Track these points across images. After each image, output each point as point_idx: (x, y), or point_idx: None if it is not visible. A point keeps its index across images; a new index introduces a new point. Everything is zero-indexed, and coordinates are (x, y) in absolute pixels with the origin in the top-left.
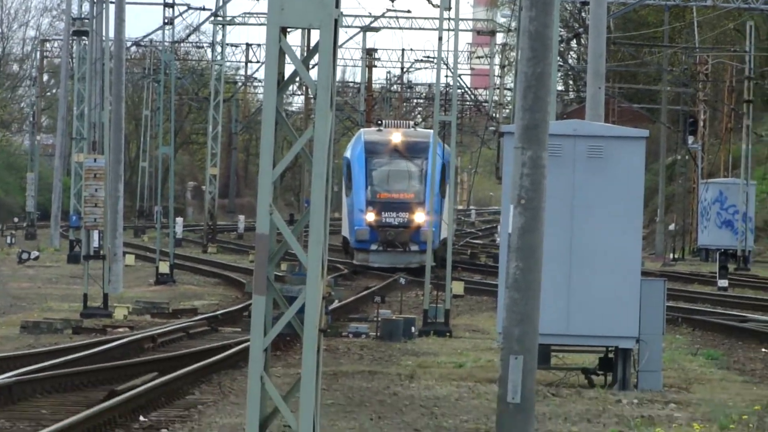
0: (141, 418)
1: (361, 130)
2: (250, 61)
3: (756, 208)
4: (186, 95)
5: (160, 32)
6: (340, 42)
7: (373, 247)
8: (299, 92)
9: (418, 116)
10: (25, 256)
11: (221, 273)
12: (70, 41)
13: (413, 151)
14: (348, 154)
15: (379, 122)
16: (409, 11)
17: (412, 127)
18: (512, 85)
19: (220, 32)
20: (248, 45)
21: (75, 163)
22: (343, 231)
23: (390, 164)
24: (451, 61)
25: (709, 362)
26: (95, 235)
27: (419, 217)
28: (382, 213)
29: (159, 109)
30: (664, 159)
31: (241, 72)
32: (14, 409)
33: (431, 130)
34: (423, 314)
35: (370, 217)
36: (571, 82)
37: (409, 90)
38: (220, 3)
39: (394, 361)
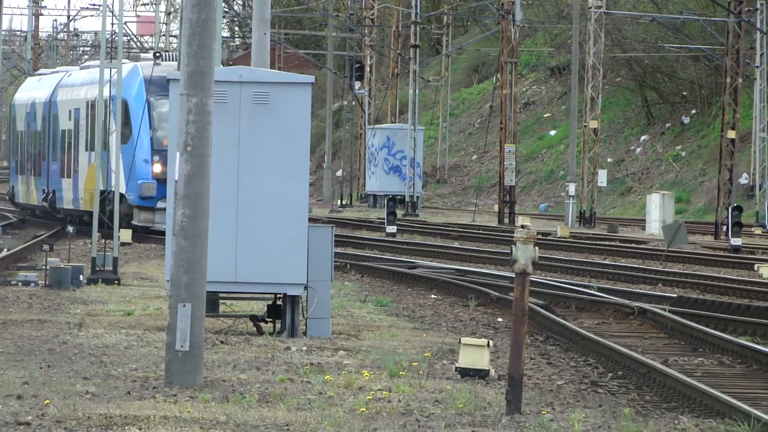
0: None
1: (136, 63)
2: None
3: (424, 154)
4: None
5: None
6: None
7: (161, 205)
8: None
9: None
10: None
11: None
12: None
13: None
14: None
15: (158, 54)
16: None
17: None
18: (178, 32)
19: None
20: None
21: None
22: (112, 185)
23: None
24: (116, 8)
25: (378, 309)
26: None
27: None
28: None
29: None
30: (330, 105)
31: None
32: None
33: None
34: (91, 262)
35: (158, 168)
36: (236, 28)
37: (75, 38)
38: None
39: (63, 310)
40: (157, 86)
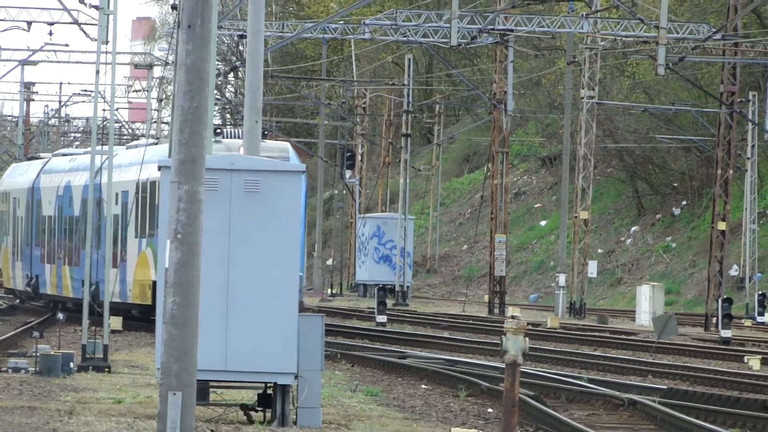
0: None
1: None
2: None
3: (414, 243)
4: None
5: None
6: None
7: None
8: None
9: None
10: None
11: None
12: None
13: None
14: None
15: (218, 130)
16: (66, 45)
17: (262, 137)
18: (170, 118)
19: None
20: None
21: None
22: (154, 274)
23: None
24: (108, 94)
25: (368, 398)
26: None
27: None
28: None
29: None
30: (321, 193)
31: None
32: None
33: (286, 143)
34: (82, 349)
35: None
36: (228, 115)
37: (67, 124)
38: None
39: (54, 397)
40: None
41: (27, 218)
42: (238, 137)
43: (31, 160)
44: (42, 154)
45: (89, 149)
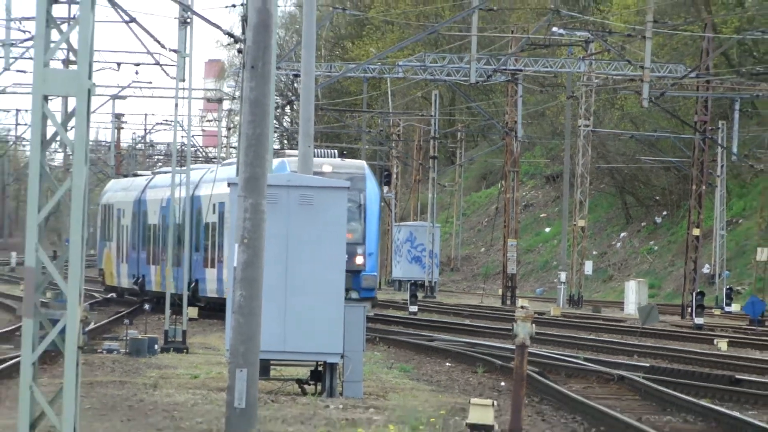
0: None
1: (283, 159)
2: (20, 124)
3: (440, 246)
4: None
5: None
6: (93, 108)
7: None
8: (60, 150)
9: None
10: None
11: None
12: None
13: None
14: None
15: None
16: (150, 82)
17: (340, 156)
18: (237, 144)
19: None
20: (18, 110)
21: None
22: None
23: None
24: (185, 124)
25: (402, 374)
26: None
27: (359, 259)
28: None
29: None
30: None
31: (12, 133)
32: None
33: (363, 161)
34: (164, 334)
35: None
36: (285, 141)
37: (151, 148)
38: None
39: (141, 373)
40: None
41: (133, 226)
42: (322, 156)
43: (126, 177)
44: (140, 172)
45: (192, 167)
